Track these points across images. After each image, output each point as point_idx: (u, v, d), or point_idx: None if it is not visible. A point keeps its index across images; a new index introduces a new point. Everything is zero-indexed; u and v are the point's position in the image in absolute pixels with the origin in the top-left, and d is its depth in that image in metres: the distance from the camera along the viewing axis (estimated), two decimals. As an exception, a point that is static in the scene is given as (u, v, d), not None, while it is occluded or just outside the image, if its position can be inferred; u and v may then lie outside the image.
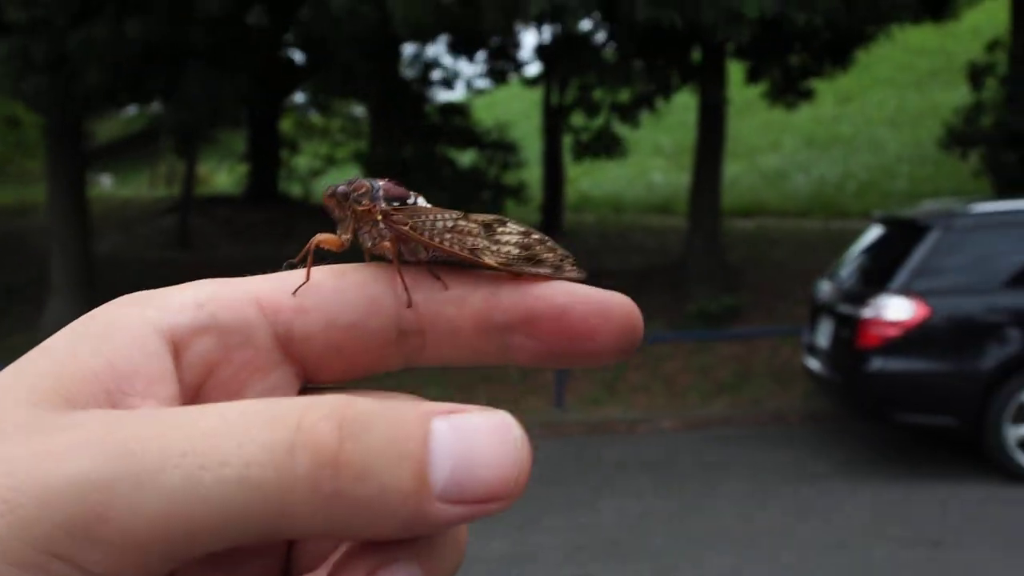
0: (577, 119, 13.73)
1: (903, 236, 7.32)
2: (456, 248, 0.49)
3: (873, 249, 7.83)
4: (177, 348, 0.41)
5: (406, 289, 0.46)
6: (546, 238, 0.51)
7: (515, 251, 0.49)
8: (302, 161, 21.73)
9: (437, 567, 0.39)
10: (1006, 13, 12.26)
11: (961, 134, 11.27)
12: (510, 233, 0.51)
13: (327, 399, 0.35)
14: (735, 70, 14.18)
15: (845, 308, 7.23)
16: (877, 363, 6.83)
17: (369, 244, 0.51)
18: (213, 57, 10.61)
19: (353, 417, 0.34)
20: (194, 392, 0.42)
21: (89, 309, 0.41)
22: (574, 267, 0.49)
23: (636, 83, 10.54)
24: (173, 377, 0.41)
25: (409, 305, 0.45)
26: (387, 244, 0.50)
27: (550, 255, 0.50)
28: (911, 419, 6.90)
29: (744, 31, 9.15)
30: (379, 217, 0.51)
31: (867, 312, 6.88)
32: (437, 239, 0.50)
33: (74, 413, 0.36)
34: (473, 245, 0.50)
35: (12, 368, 0.38)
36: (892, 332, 6.78)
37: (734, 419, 9.00)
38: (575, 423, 9.06)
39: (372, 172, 12.32)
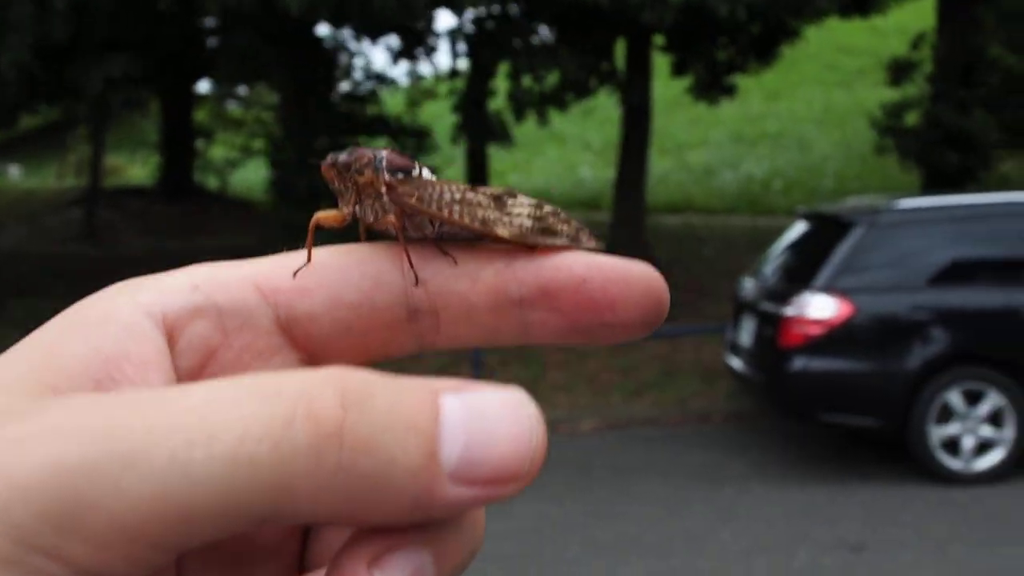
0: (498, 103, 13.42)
1: (827, 233, 7.16)
2: (467, 220, 0.47)
3: (797, 246, 7.67)
4: (172, 332, 0.40)
5: (412, 266, 0.44)
6: (559, 210, 0.48)
7: (528, 223, 0.47)
8: (218, 152, 21.19)
9: (449, 556, 0.36)
10: (932, 13, 12.29)
11: (888, 129, 11.20)
12: (521, 205, 0.48)
13: (328, 369, 0.33)
14: (661, 64, 14.04)
15: (768, 306, 7.05)
16: (800, 362, 6.65)
17: (371, 219, 0.49)
18: (109, 39, 10.15)
19: (357, 387, 0.32)
20: (192, 377, 0.40)
21: None
22: (592, 238, 0.47)
23: (565, 67, 10.24)
24: (168, 362, 0.39)
25: (417, 283, 0.43)
26: (391, 219, 0.48)
27: (565, 227, 0.47)
28: (834, 419, 6.74)
29: (668, 14, 8.97)
30: (383, 189, 0.49)
31: (790, 310, 6.70)
32: (446, 211, 0.47)
33: (54, 399, 0.34)
34: (484, 217, 0.47)
35: (3, 356, 0.36)
36: (815, 331, 6.61)
37: (657, 419, 8.79)
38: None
39: (281, 163, 11.96)
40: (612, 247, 11.82)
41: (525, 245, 0.46)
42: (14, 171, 26.84)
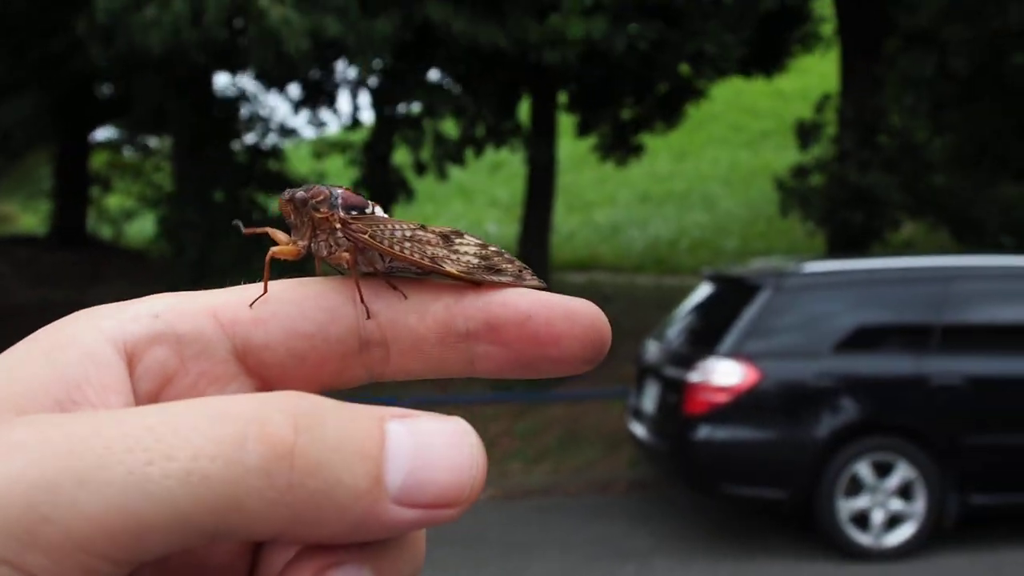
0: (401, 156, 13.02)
1: (733, 295, 6.89)
2: (416, 256, 0.49)
3: (702, 308, 7.39)
4: (131, 358, 0.41)
5: (363, 300, 0.45)
6: (503, 250, 0.51)
7: (474, 260, 0.49)
8: (114, 201, 20.44)
9: (391, 573, 0.37)
10: (835, 78, 12.34)
11: (794, 191, 11.10)
12: (467, 244, 0.51)
13: (280, 394, 0.34)
14: (568, 123, 13.86)
15: (672, 371, 6.73)
16: (704, 431, 6.33)
17: (325, 253, 0.51)
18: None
19: (308, 412, 0.34)
20: (150, 401, 0.41)
21: None
22: (534, 277, 0.49)
23: (466, 109, 9.90)
24: (127, 386, 0.40)
25: (368, 315, 0.45)
26: (346, 255, 0.50)
27: (509, 265, 0.49)
28: (740, 492, 6.41)
29: (569, 54, 8.74)
30: (337, 225, 0.51)
31: (694, 376, 6.39)
32: (397, 247, 0.50)
33: (17, 417, 0.35)
34: (433, 254, 0.49)
35: None
36: (720, 398, 6.30)
37: (556, 488, 8.40)
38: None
39: (174, 215, 11.39)
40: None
41: (472, 281, 0.47)
42: None
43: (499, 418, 9.75)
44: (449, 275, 0.48)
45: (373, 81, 11.03)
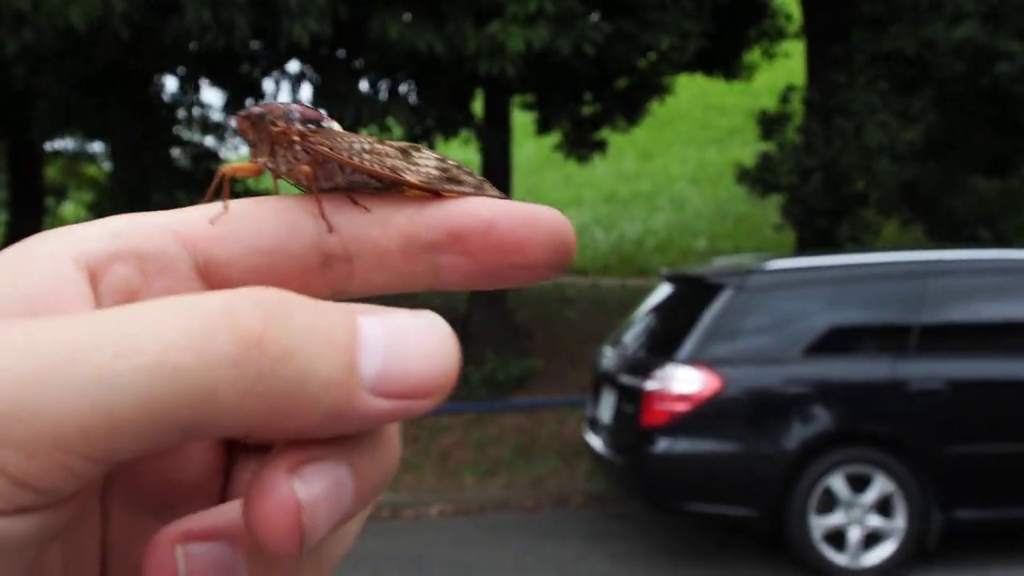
0: None
1: (692, 297, 6.37)
2: (376, 168, 0.49)
3: (660, 311, 6.86)
4: (94, 275, 0.40)
5: (323, 214, 0.45)
6: (461, 164, 0.50)
7: (435, 172, 0.49)
8: (70, 211, 19.88)
9: (367, 470, 0.37)
10: (802, 70, 11.90)
11: (760, 180, 10.60)
12: (426, 158, 0.50)
13: (249, 288, 0.34)
14: (527, 121, 13.33)
15: (628, 379, 6.20)
16: (663, 443, 5.81)
17: (284, 169, 0.51)
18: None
19: (277, 304, 0.33)
20: None
21: None
22: (494, 188, 0.49)
23: (398, 116, 9.29)
24: (91, 302, 0.39)
25: (330, 229, 0.45)
26: (305, 168, 0.49)
27: (469, 178, 0.49)
28: (704, 509, 5.87)
29: (509, 66, 8.18)
30: (296, 138, 0.50)
31: (652, 384, 5.86)
32: (356, 159, 0.49)
33: None
34: (393, 165, 0.49)
35: None
36: (680, 407, 5.77)
37: (510, 502, 7.86)
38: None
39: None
40: (469, 308, 10.98)
41: (433, 192, 0.47)
42: None
43: (452, 428, 9.19)
44: (410, 185, 0.48)
45: (312, 75, 10.40)
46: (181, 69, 9.98)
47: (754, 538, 6.28)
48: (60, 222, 18.90)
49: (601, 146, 12.80)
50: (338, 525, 0.36)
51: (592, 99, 12.45)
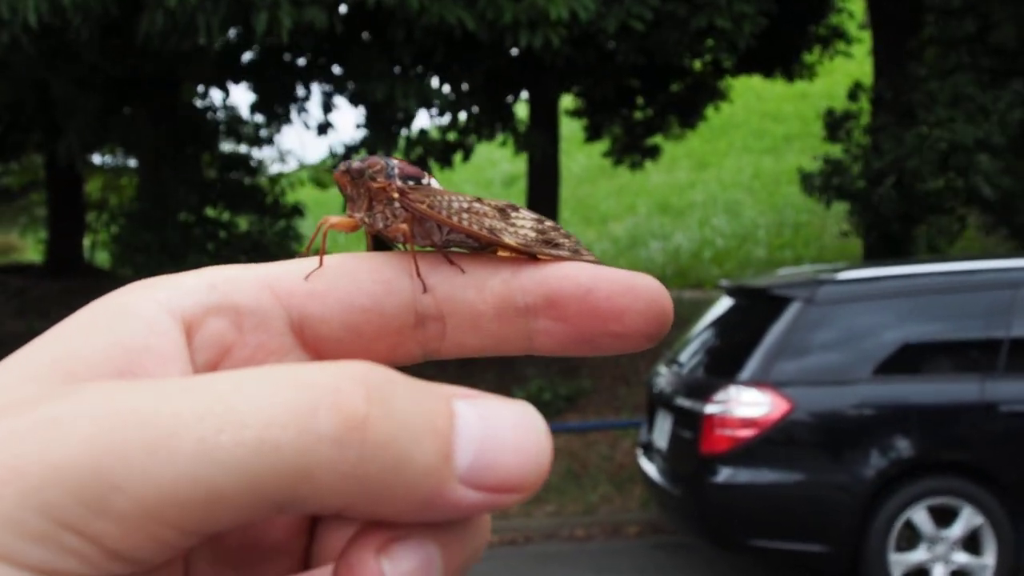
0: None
1: (756, 311, 5.83)
2: (475, 228, 0.48)
3: (720, 326, 6.31)
4: (189, 328, 0.41)
5: (419, 274, 0.45)
6: (559, 225, 0.49)
7: (532, 234, 0.48)
8: (113, 227, 19.78)
9: (455, 552, 0.36)
10: (862, 71, 11.32)
11: (824, 185, 9.93)
12: (523, 218, 0.50)
13: (351, 363, 0.34)
14: (578, 131, 12.84)
15: (685, 402, 5.66)
16: (724, 473, 5.27)
17: (381, 225, 0.50)
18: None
19: (380, 384, 0.33)
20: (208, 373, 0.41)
21: None
22: (590, 252, 0.48)
23: (431, 101, 8.74)
24: (186, 357, 0.40)
25: (425, 289, 0.45)
26: (403, 226, 0.49)
27: (566, 240, 0.48)
28: (769, 545, 5.31)
29: (553, 35, 7.65)
30: (395, 195, 0.50)
31: (711, 407, 5.32)
32: (455, 218, 0.49)
33: (79, 385, 0.34)
34: (491, 226, 0.49)
35: (23, 350, 0.37)
36: (743, 433, 5.24)
37: (559, 531, 7.35)
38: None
39: (130, 237, 10.42)
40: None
41: (530, 255, 0.47)
42: None
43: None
44: (508, 247, 0.48)
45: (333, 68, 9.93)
46: (207, 73, 9.59)
47: (827, 576, 5.72)
48: (100, 238, 18.87)
49: (653, 152, 12.28)
50: None
51: (644, 104, 11.95)
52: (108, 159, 19.94)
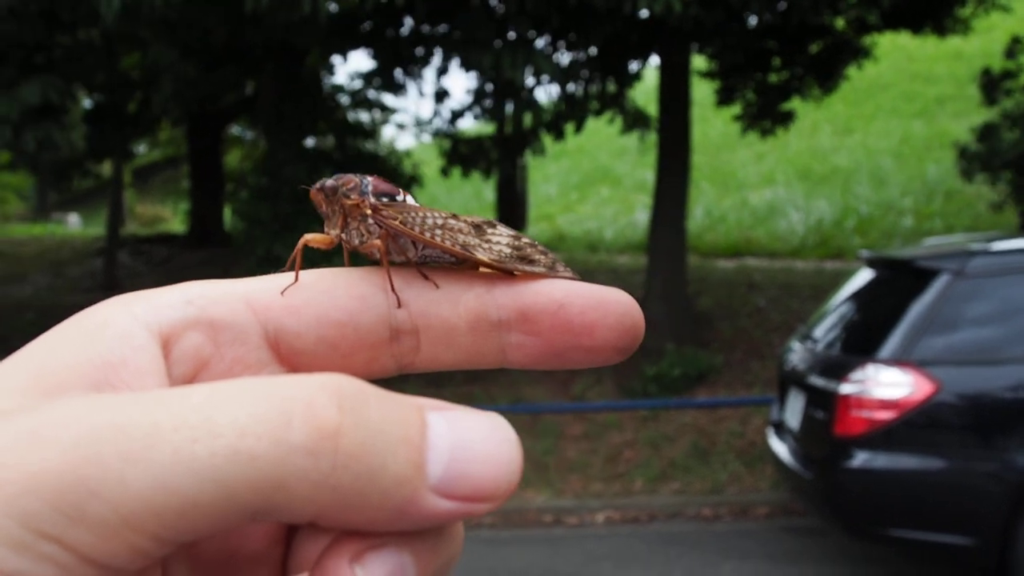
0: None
1: (899, 283, 5.41)
2: (448, 244, 0.49)
3: (859, 300, 5.90)
4: (166, 342, 0.41)
5: (393, 289, 0.46)
6: (536, 242, 0.50)
7: (507, 250, 0.49)
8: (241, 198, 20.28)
9: (429, 557, 0.37)
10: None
11: (980, 155, 9.23)
12: (500, 235, 0.50)
13: (324, 375, 0.34)
14: (707, 91, 12.34)
15: (819, 380, 5.30)
16: (861, 457, 4.91)
17: (356, 241, 0.51)
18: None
19: (353, 394, 0.34)
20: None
21: None
22: (567, 269, 0.49)
23: (543, 69, 8.38)
24: (162, 371, 0.40)
25: (399, 304, 0.45)
26: (377, 242, 0.50)
27: (542, 257, 0.49)
28: (908, 535, 4.93)
29: (676, 1, 7.24)
30: (368, 212, 0.51)
31: (849, 387, 4.96)
32: (428, 235, 0.49)
33: (57, 398, 0.35)
34: (465, 242, 0.49)
35: (3, 363, 0.38)
36: (882, 415, 4.86)
37: (685, 510, 7.07)
38: (487, 513, 7.12)
39: (247, 209, 10.48)
40: (645, 296, 10.17)
41: (504, 271, 0.48)
42: (73, 220, 27.78)
43: (622, 425, 8.46)
44: (481, 263, 0.48)
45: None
46: (322, 41, 9.50)
47: (972, 571, 5.30)
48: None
49: (787, 118, 11.68)
50: None
51: (781, 65, 11.38)
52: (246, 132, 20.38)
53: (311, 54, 10.68)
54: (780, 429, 5.90)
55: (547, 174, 23.74)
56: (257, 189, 10.51)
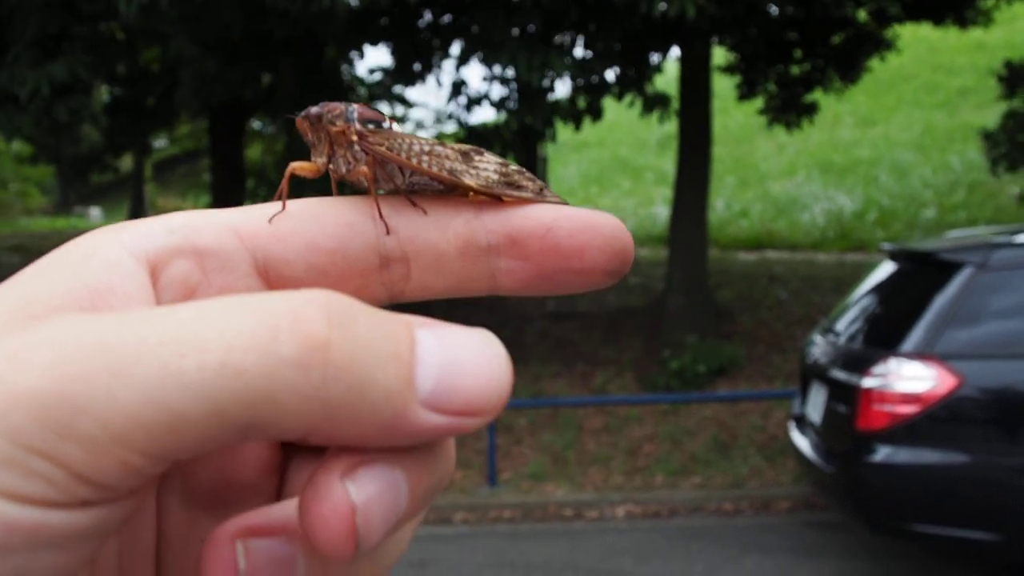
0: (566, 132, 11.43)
1: (922, 276, 5.37)
2: (435, 169, 0.49)
3: (881, 292, 5.86)
4: (154, 270, 0.41)
5: (381, 216, 0.46)
6: (523, 169, 0.49)
7: (494, 176, 0.49)
8: (263, 192, 20.38)
9: (422, 474, 0.37)
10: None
11: (1008, 143, 9.14)
12: (487, 162, 0.50)
13: (312, 291, 0.34)
14: (728, 85, 12.28)
15: (841, 374, 5.27)
16: (883, 452, 4.87)
17: (344, 170, 0.51)
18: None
19: (341, 309, 0.34)
20: None
21: None
22: (555, 194, 0.49)
23: (559, 68, 8.31)
24: (151, 297, 0.40)
25: (388, 231, 0.45)
26: (364, 169, 0.50)
27: (529, 183, 0.49)
28: (931, 531, 4.89)
29: (690, 6, 7.18)
30: (355, 138, 0.50)
31: (871, 381, 4.92)
32: (415, 160, 0.49)
33: (44, 320, 0.34)
34: (452, 168, 0.49)
35: None
36: (905, 409, 4.82)
37: (706, 504, 7.05)
38: (506, 506, 7.14)
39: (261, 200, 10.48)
40: (667, 289, 10.14)
41: (492, 196, 0.48)
42: (95, 213, 27.96)
43: (643, 419, 8.44)
44: (469, 188, 0.48)
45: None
46: (342, 35, 9.49)
47: (998, 569, 5.25)
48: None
49: (811, 110, 11.61)
50: (394, 529, 0.36)
51: (802, 57, 11.30)
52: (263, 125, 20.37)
53: (331, 48, 10.67)
54: (802, 423, 5.87)
55: (567, 166, 23.71)
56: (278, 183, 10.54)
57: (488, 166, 0.49)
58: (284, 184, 0.48)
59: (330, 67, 11.52)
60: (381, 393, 0.33)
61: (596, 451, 8.05)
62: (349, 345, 0.33)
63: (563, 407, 8.68)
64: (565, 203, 0.47)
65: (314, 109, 0.51)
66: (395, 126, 0.51)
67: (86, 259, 0.39)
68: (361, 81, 12.96)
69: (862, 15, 10.48)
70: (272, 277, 0.44)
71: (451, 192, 0.49)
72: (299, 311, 0.33)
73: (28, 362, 0.31)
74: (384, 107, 12.94)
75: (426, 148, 0.50)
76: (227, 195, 17.71)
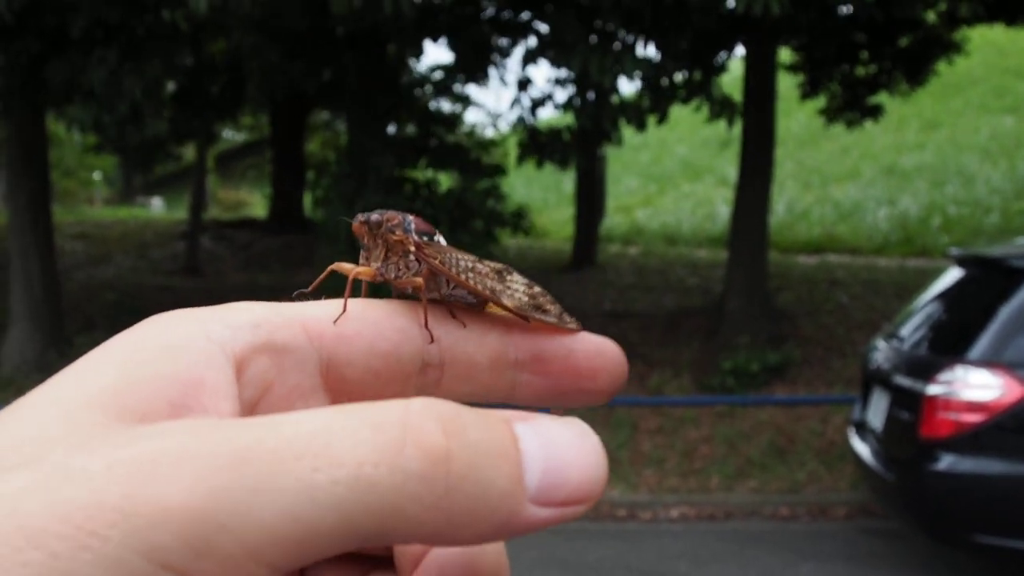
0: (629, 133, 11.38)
1: (989, 283, 5.27)
2: (479, 287, 0.52)
3: (947, 299, 5.76)
4: (239, 365, 0.41)
5: (426, 324, 0.48)
6: (545, 292, 0.54)
7: (524, 299, 0.53)
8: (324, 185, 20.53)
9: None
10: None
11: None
12: (516, 283, 0.54)
13: (421, 399, 0.35)
14: (790, 85, 12.13)
15: (904, 380, 5.19)
16: (947, 460, 4.80)
17: (393, 275, 0.53)
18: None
19: (452, 416, 0.35)
20: (249, 411, 0.42)
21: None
22: (572, 319, 0.52)
23: (630, 70, 8.24)
24: (235, 393, 0.40)
25: (432, 340, 0.47)
26: (419, 280, 0.52)
27: (552, 307, 0.52)
28: (995, 542, 4.81)
29: (774, 3, 7.08)
30: (411, 248, 0.53)
31: (935, 388, 4.85)
32: (463, 276, 0.53)
33: (154, 424, 0.35)
34: (492, 287, 0.53)
35: (71, 374, 0.37)
36: (971, 418, 4.74)
37: (762, 509, 6.98)
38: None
39: (343, 191, 10.55)
40: (726, 290, 10.05)
41: (522, 317, 0.51)
42: (156, 203, 28.53)
43: (700, 419, 8.38)
44: (506, 308, 0.52)
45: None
46: (407, 33, 9.52)
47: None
48: (321, 195, 19.60)
49: (875, 111, 11.44)
50: None
51: (868, 59, 11.14)
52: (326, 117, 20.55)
53: (392, 45, 10.73)
54: (862, 429, 5.80)
55: (627, 166, 23.60)
56: (342, 175, 10.60)
57: (518, 287, 0.53)
58: (348, 286, 0.50)
59: (393, 63, 11.57)
60: (498, 495, 0.34)
61: (651, 452, 8.00)
62: (466, 453, 0.34)
63: (618, 406, 8.65)
64: (581, 328, 0.50)
65: (374, 216, 0.53)
66: (441, 239, 0.54)
67: (178, 349, 0.39)
68: (426, 78, 13.01)
69: (931, 16, 10.31)
70: (331, 376, 0.45)
71: (482, 306, 0.53)
72: (418, 423, 0.34)
73: (170, 474, 0.31)
74: (445, 104, 12.95)
75: (469, 264, 0.53)
76: (287, 187, 17.90)
